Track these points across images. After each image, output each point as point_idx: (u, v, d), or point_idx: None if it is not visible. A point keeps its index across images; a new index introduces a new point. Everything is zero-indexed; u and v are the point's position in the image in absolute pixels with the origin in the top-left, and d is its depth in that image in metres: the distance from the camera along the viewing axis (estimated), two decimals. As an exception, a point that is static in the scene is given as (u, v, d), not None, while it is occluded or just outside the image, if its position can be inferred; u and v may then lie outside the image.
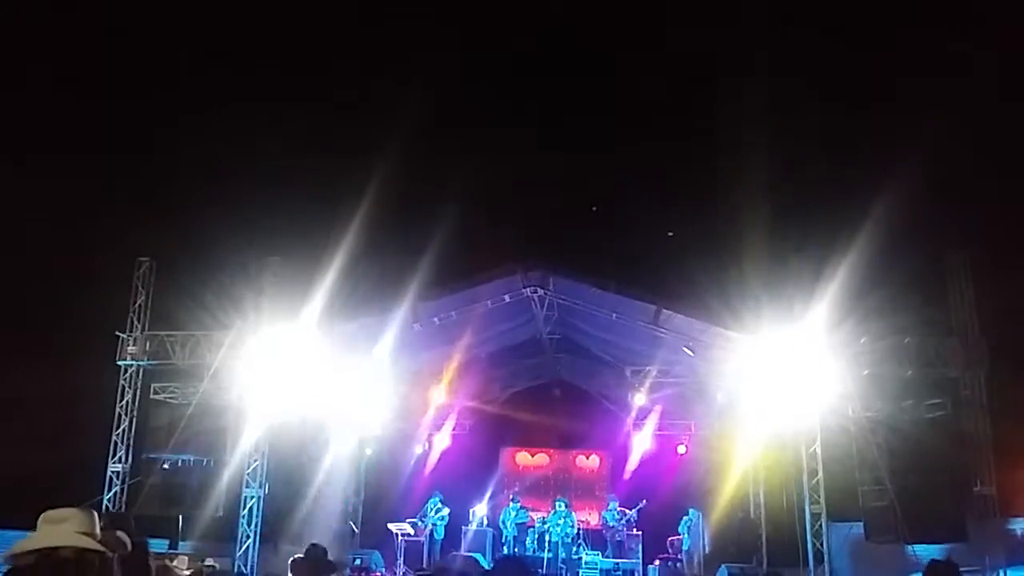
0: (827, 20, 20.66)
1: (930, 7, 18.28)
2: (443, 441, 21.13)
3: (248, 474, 15.69)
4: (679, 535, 19.10)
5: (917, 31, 18.61)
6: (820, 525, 14.34)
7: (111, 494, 15.94)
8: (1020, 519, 15.67)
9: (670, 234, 20.20)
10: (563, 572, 18.54)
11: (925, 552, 14.50)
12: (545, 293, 16.28)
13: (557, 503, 19.37)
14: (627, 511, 19.42)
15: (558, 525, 18.90)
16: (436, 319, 16.28)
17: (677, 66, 21.88)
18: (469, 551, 18.98)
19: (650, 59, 22.50)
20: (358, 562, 17.45)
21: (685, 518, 19.12)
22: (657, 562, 18.89)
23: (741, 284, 14.59)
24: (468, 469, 21.07)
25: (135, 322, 16.52)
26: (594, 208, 19.72)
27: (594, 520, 20.98)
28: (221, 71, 20.70)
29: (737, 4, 21.09)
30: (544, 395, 21.22)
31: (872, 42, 19.86)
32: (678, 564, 18.90)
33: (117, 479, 16.08)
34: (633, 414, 19.72)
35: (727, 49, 20.85)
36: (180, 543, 16.17)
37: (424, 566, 17.93)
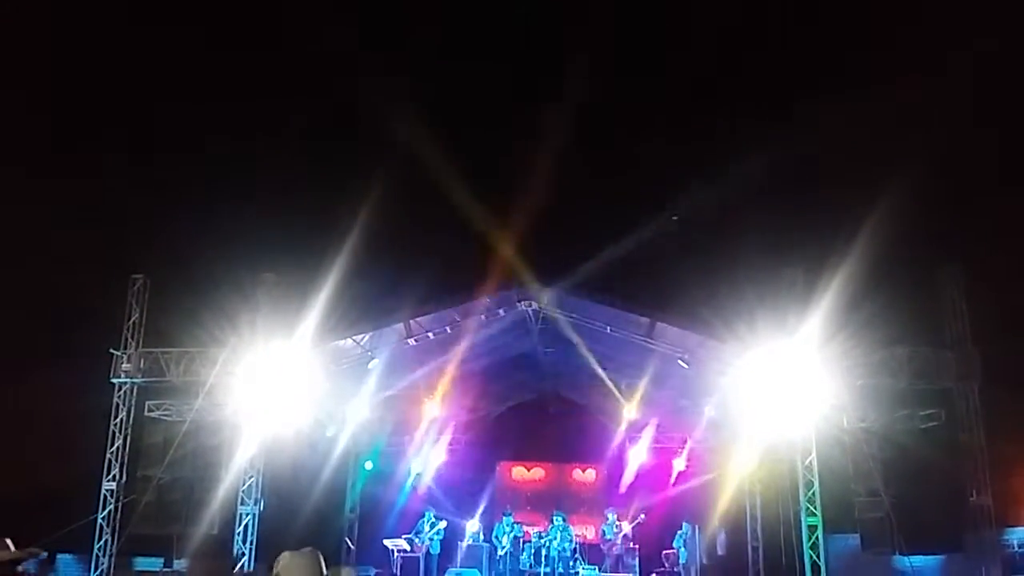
0: (825, 30, 20.81)
1: (930, 16, 18.39)
2: (439, 456, 21.09)
3: (243, 491, 15.66)
4: (674, 549, 19.08)
5: (913, 40, 18.73)
6: (816, 537, 14.32)
7: (105, 512, 15.86)
8: (1016, 529, 15.69)
9: (674, 217, 20.23)
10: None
11: (921, 563, 14.53)
12: (539, 307, 16.31)
13: (555, 517, 19.32)
14: (624, 524, 19.39)
15: (555, 539, 18.85)
16: (430, 334, 16.28)
17: (672, 76, 22.00)
18: (464, 566, 18.94)
19: (644, 71, 22.62)
20: (354, 579, 17.39)
21: (679, 532, 19.11)
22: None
23: (735, 296, 14.62)
24: (464, 484, 21.05)
25: (129, 339, 16.48)
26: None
27: (591, 534, 20.95)
28: (217, 87, 20.75)
29: (730, 6, 21.20)
30: (539, 409, 21.24)
31: (869, 51, 20.00)
32: (674, 578, 18.91)
33: (111, 497, 15.99)
34: (629, 427, 19.74)
35: (723, 60, 20.98)
36: (175, 561, 16.12)
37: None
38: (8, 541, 3.90)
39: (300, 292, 14.97)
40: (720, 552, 19.12)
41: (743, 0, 21.72)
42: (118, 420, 16.33)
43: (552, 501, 21.14)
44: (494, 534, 19.48)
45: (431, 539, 18.99)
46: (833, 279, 13.56)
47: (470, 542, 19.58)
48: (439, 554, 19.12)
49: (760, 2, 21.39)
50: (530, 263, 16.14)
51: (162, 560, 16.32)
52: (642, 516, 19.47)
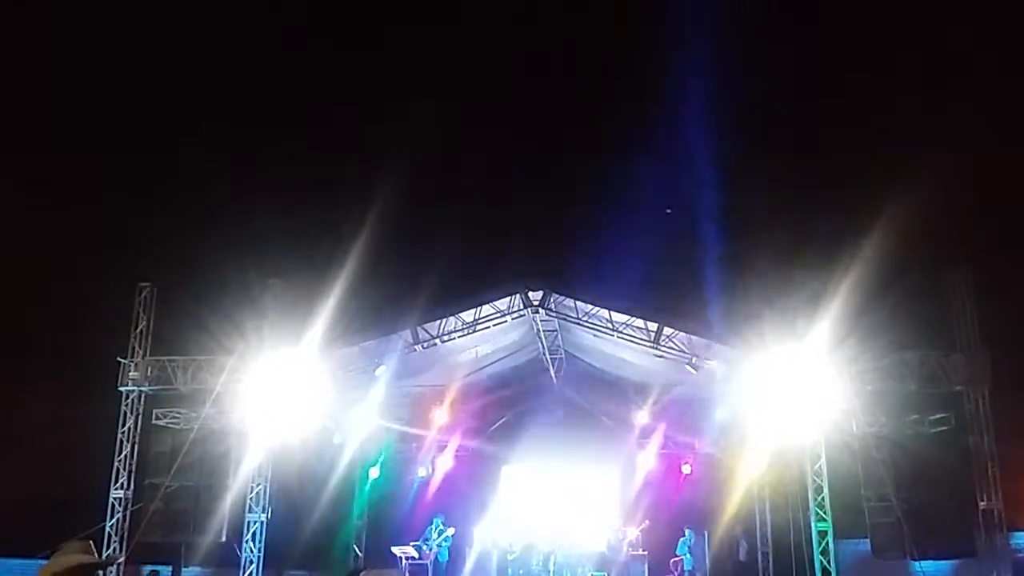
0: (827, 34, 20.79)
1: (932, 19, 18.37)
2: (446, 462, 21.04)
3: (251, 499, 15.66)
4: (680, 556, 19.02)
5: (916, 44, 18.72)
6: (827, 543, 14.27)
7: (113, 521, 15.85)
8: (1027, 533, 15.65)
9: (668, 211, 20.23)
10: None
11: (933, 568, 14.46)
12: (547, 313, 16.27)
13: (562, 524, 19.25)
14: (630, 531, 19.31)
15: (562, 547, 18.79)
16: (438, 341, 16.25)
17: (675, 82, 21.97)
18: (473, 573, 18.90)
19: (646, 79, 22.62)
20: (362, 586, 17.35)
21: (682, 539, 19.02)
22: (662, 582, 18.84)
23: (744, 301, 14.59)
24: (471, 490, 20.96)
25: (136, 347, 16.50)
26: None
27: (599, 541, 20.84)
28: (222, 95, 20.78)
29: (738, 17, 21.19)
30: (547, 415, 21.13)
31: (872, 55, 19.97)
32: (682, 585, 18.85)
33: (119, 505, 16.00)
34: (637, 433, 19.69)
35: (726, 67, 20.95)
36: (183, 569, 16.11)
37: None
38: (91, 543, 3.90)
39: (307, 299, 14.97)
40: (742, 559, 19.06)
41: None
42: (125, 428, 16.34)
43: (560, 508, 21.03)
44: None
45: (439, 546, 18.94)
46: (842, 283, 13.54)
47: (479, 549, 19.51)
48: (447, 561, 19.07)
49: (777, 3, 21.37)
50: (537, 269, 16.17)
51: (170, 568, 16.32)
52: (646, 522, 19.39)
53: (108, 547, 15.68)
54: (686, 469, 20.44)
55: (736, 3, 21.87)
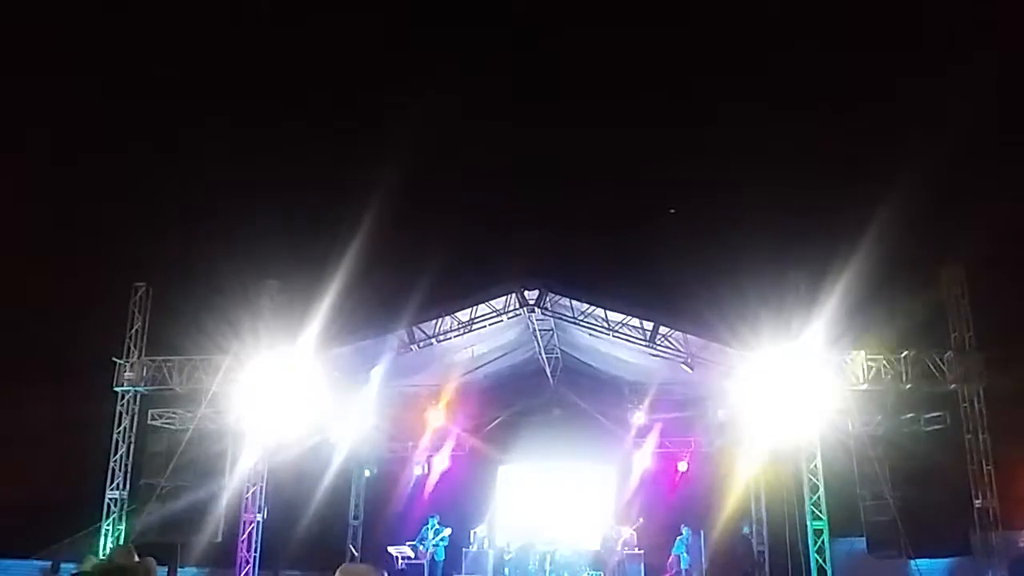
0: (827, 32, 20.83)
1: (930, 20, 18.39)
2: (442, 462, 21.05)
3: (247, 499, 15.61)
4: (675, 555, 19.00)
5: (914, 43, 18.74)
6: (823, 541, 14.27)
7: (109, 521, 15.84)
8: (1022, 532, 15.64)
9: (671, 211, 20.24)
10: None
11: (928, 566, 14.48)
12: (543, 312, 16.25)
13: (558, 524, 19.22)
14: (624, 530, 19.30)
15: (559, 546, 18.78)
16: (433, 340, 16.23)
17: (676, 83, 22.03)
18: (469, 573, 18.88)
19: (648, 80, 22.65)
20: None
21: (679, 537, 19.02)
22: (658, 581, 18.82)
23: (739, 301, 14.60)
24: (468, 490, 20.97)
25: (132, 348, 16.49)
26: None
27: (595, 540, 20.85)
28: (219, 97, 20.76)
29: (733, 17, 21.22)
30: (543, 415, 21.14)
31: (871, 55, 20.00)
32: (679, 583, 18.82)
33: (115, 506, 16.00)
34: (633, 432, 19.69)
35: (727, 67, 21.01)
36: (180, 569, 16.09)
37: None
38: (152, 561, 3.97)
39: (303, 299, 14.95)
40: (723, 556, 19.04)
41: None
42: (121, 428, 16.33)
43: (556, 507, 21.02)
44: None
45: (436, 546, 18.91)
46: (837, 283, 13.55)
47: (475, 548, 19.50)
48: (444, 560, 19.05)
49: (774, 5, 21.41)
50: (533, 268, 16.17)
51: (166, 569, 16.29)
52: (640, 520, 19.38)
53: (104, 547, 15.67)
54: (682, 466, 20.47)
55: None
